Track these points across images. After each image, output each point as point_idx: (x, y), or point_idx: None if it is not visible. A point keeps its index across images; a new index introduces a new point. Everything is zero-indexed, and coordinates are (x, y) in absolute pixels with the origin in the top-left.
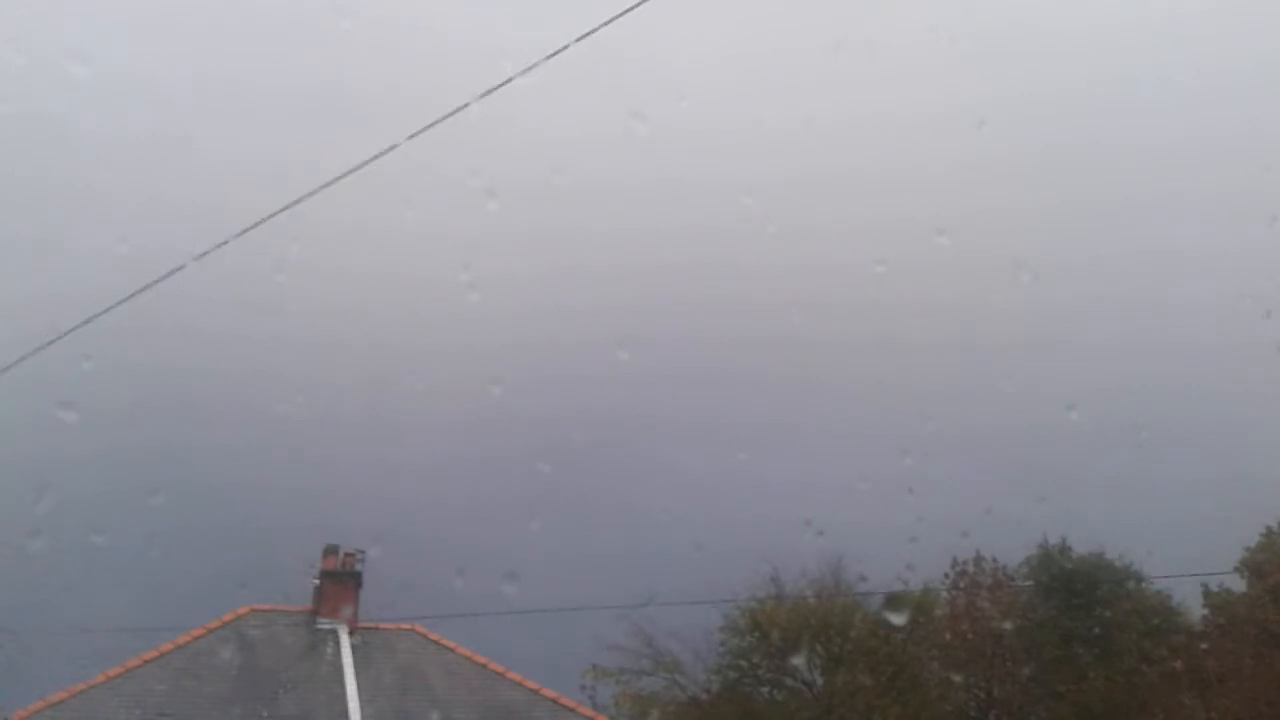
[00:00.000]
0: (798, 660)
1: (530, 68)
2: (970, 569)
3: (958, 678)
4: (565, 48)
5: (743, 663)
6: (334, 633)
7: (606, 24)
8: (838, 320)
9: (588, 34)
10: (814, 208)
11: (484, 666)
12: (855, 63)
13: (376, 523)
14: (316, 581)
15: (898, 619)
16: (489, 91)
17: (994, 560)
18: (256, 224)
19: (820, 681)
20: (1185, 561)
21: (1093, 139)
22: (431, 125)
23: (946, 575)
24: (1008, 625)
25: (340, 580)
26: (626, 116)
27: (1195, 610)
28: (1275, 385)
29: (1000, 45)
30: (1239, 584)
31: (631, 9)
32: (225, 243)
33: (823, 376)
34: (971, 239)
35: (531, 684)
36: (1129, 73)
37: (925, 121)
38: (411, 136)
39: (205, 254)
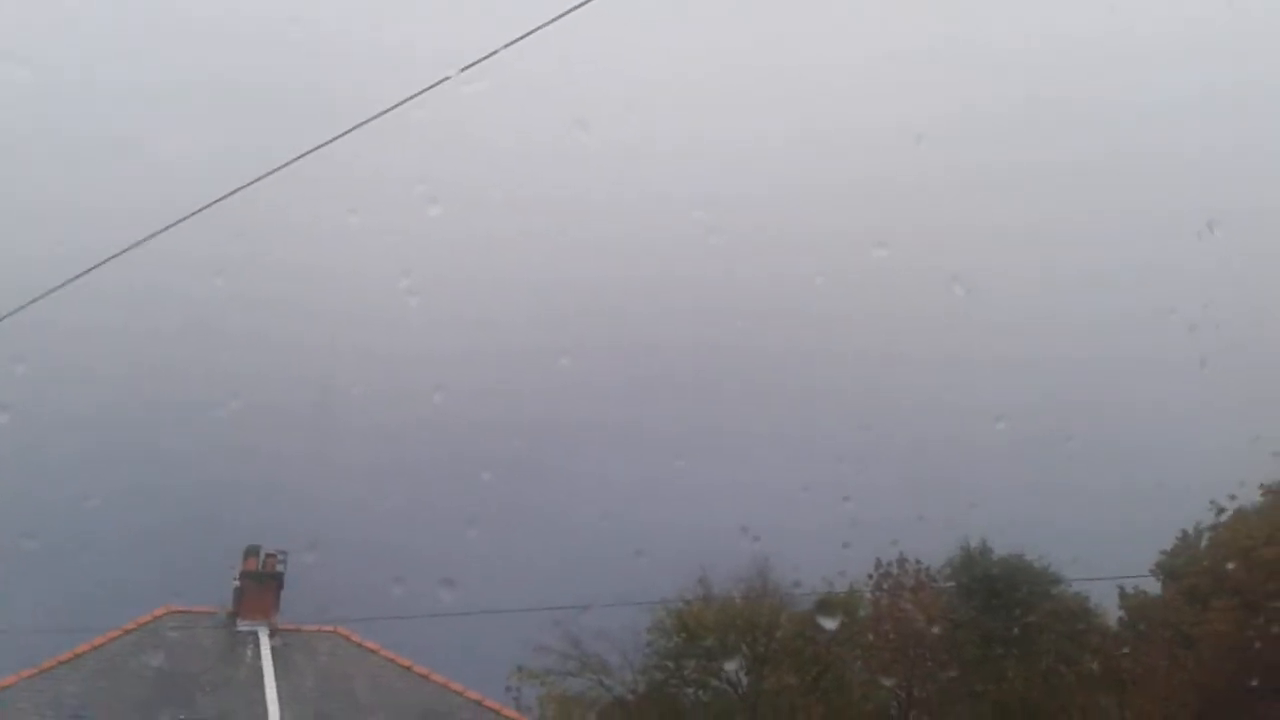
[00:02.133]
0: (729, 665)
1: (467, 67)
2: (894, 571)
3: (886, 681)
4: (495, 52)
5: (669, 663)
6: (254, 635)
7: (546, 25)
8: (778, 330)
9: (525, 35)
10: (757, 220)
11: (407, 669)
12: (799, 79)
13: (309, 525)
14: (237, 583)
15: (830, 623)
16: (423, 91)
17: (917, 562)
18: (180, 220)
19: (745, 681)
20: (1103, 565)
21: (1025, 157)
22: (363, 124)
23: (870, 576)
24: (935, 630)
25: (261, 581)
26: (571, 125)
27: (1112, 612)
28: (1195, 396)
29: (940, 63)
30: (1155, 587)
31: (574, 9)
32: (151, 237)
33: (763, 386)
34: (909, 252)
35: (456, 686)
36: (1061, 92)
37: (865, 137)
38: (342, 135)
39: (125, 251)
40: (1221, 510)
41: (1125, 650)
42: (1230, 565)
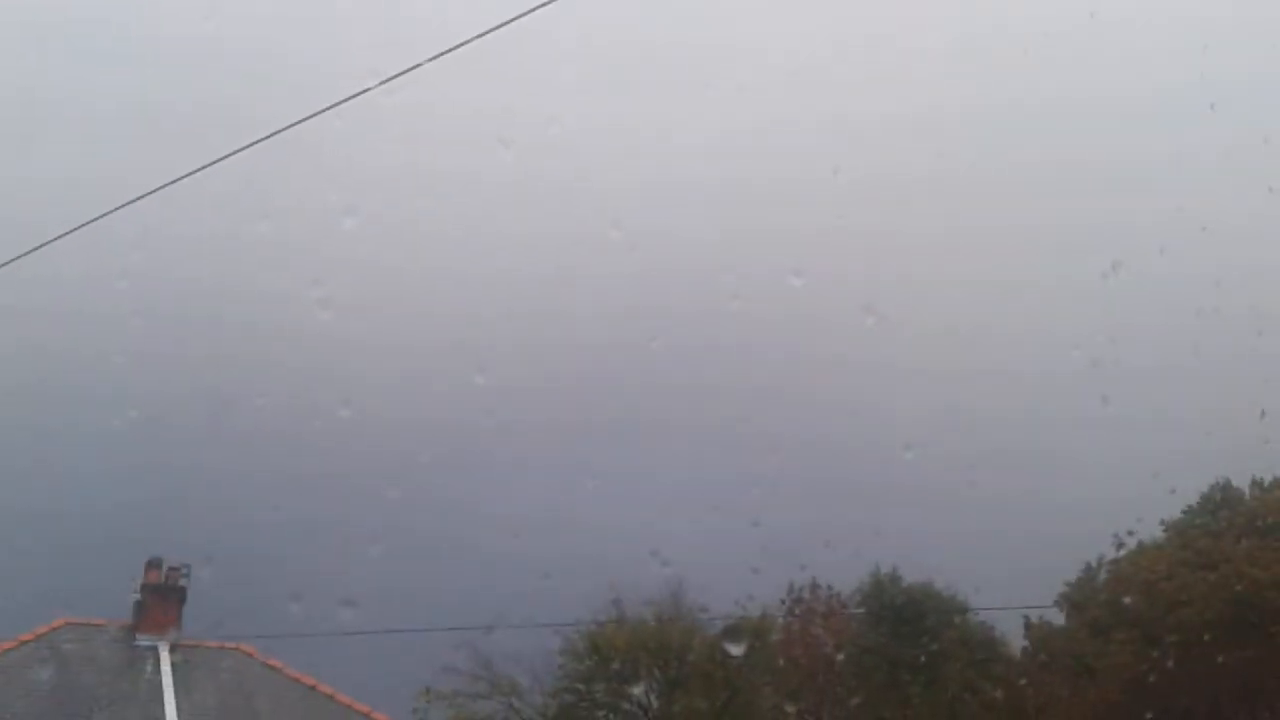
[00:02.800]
0: (636, 688)
1: (388, 79)
2: (806, 596)
3: (790, 707)
4: (419, 65)
5: (580, 686)
6: (154, 650)
7: (468, 41)
8: (691, 355)
9: (447, 50)
10: (677, 252)
11: (312, 689)
12: (721, 89)
13: (210, 540)
14: (137, 596)
15: (736, 649)
16: (341, 101)
17: (829, 588)
18: (84, 224)
19: (656, 705)
20: (1008, 595)
21: (947, 166)
22: (274, 134)
23: (783, 601)
24: (840, 656)
25: (163, 595)
26: (494, 143)
27: (1017, 642)
28: (1099, 430)
29: (855, 67)
30: (1058, 617)
31: (500, 27)
32: (45, 245)
33: (674, 412)
34: (823, 268)
35: (361, 707)
36: (980, 99)
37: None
38: (251, 145)
39: (19, 258)
40: (1122, 544)
41: (1027, 680)
42: (1130, 599)
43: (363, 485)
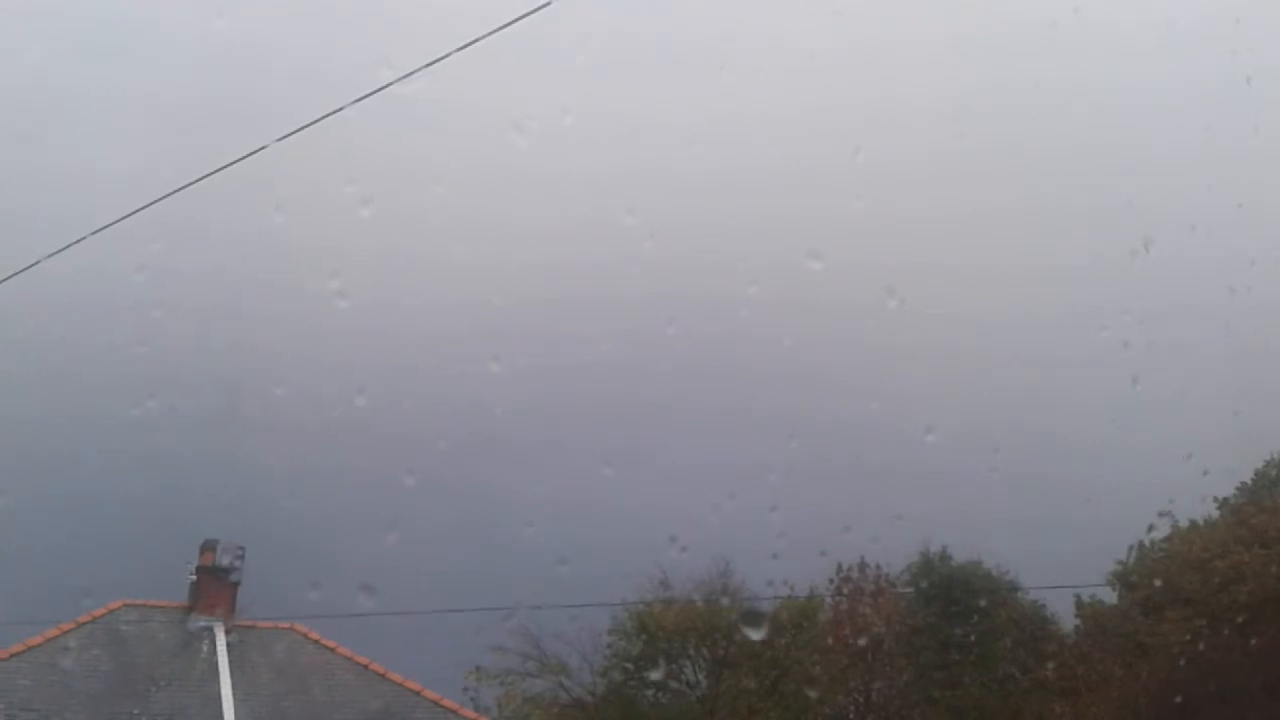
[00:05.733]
0: (671, 672)
1: (407, 75)
2: (854, 575)
3: (813, 693)
4: (438, 60)
5: (628, 665)
6: (209, 630)
7: (487, 36)
8: (710, 343)
9: (466, 45)
10: (693, 239)
11: (364, 667)
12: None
13: (245, 525)
14: (193, 578)
15: (756, 634)
16: (363, 97)
17: (877, 567)
18: (111, 223)
19: (705, 684)
20: (1059, 573)
21: (971, 147)
22: (301, 129)
23: (831, 580)
24: (889, 635)
25: (217, 576)
26: (508, 130)
27: (1068, 620)
28: (1129, 411)
29: (874, 51)
30: (1110, 596)
31: (517, 20)
32: (80, 240)
33: (693, 402)
34: (844, 252)
35: (413, 685)
36: (1004, 81)
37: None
38: (281, 139)
39: (58, 251)
40: (1175, 522)
41: (1079, 658)
42: (1185, 576)
43: (382, 474)
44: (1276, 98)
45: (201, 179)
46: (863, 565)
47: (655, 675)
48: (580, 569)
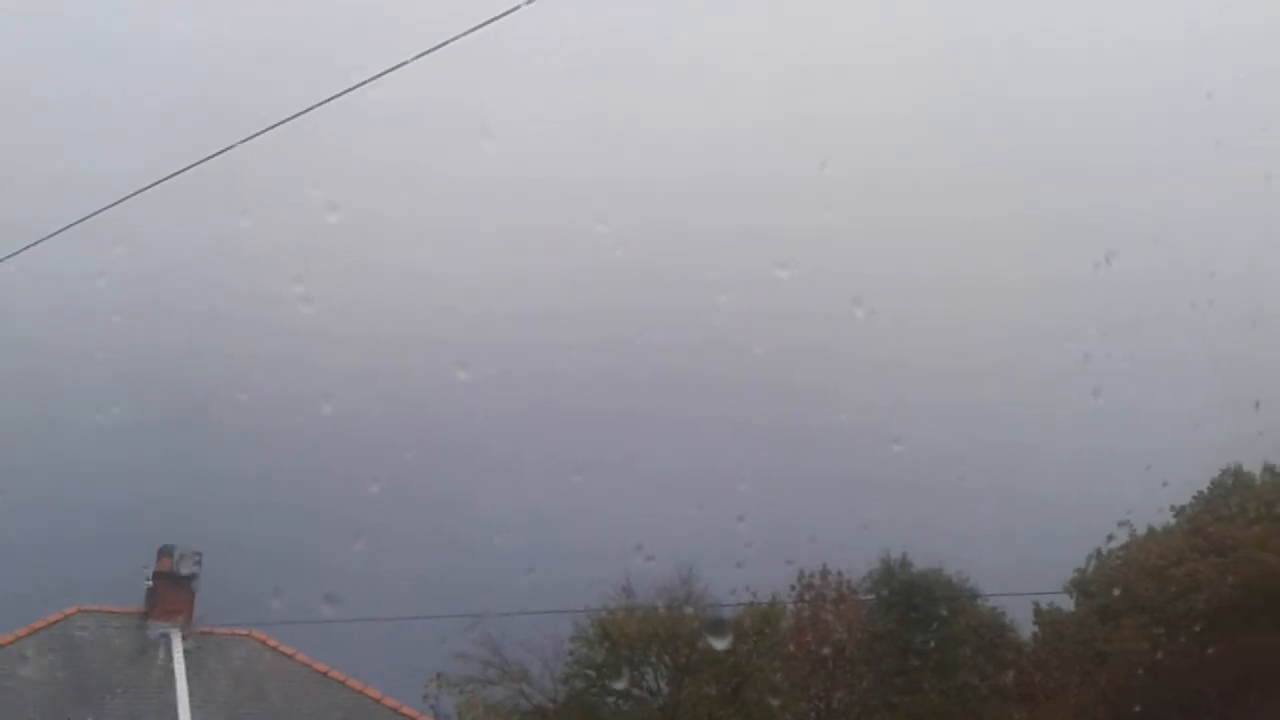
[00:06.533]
0: (631, 680)
1: (373, 78)
2: (816, 582)
3: (775, 700)
4: (405, 63)
5: (590, 672)
6: (166, 637)
7: (453, 40)
8: (679, 352)
9: (435, 48)
10: (663, 247)
11: (324, 674)
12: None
13: (205, 531)
14: (149, 583)
15: (720, 643)
16: (328, 100)
17: (839, 574)
18: (69, 225)
19: (666, 691)
20: (1020, 581)
21: (937, 159)
22: (265, 130)
23: (793, 587)
24: (850, 642)
25: (175, 582)
26: (477, 136)
27: (1026, 628)
28: (1091, 422)
29: (842, 63)
30: (1068, 603)
31: (483, 25)
32: (36, 243)
33: (662, 410)
34: (812, 262)
35: (373, 692)
36: (969, 93)
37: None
38: (244, 140)
39: (13, 255)
40: (1133, 531)
41: (1038, 665)
42: (1142, 584)
43: (348, 480)
44: (1237, 113)
45: (160, 181)
46: (824, 572)
47: (617, 683)
48: (548, 577)
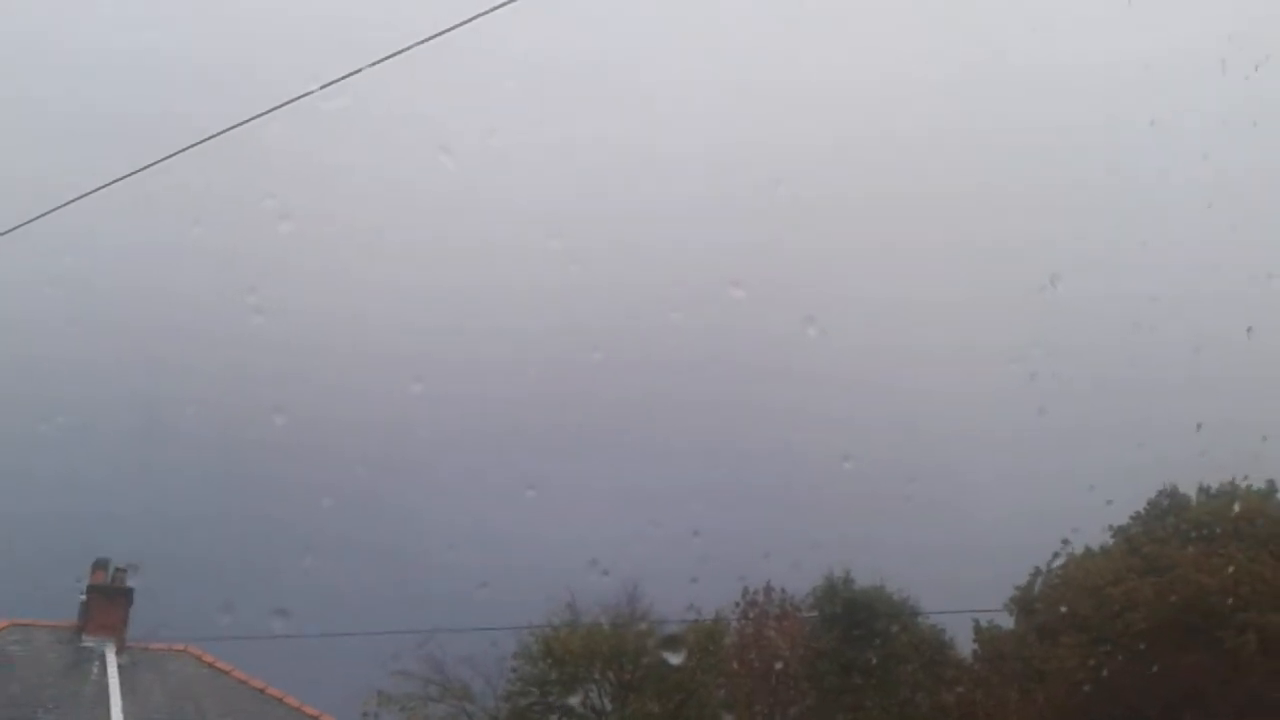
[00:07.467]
0: (575, 697)
1: (328, 84)
2: (760, 599)
3: (729, 717)
4: (359, 70)
5: (533, 689)
6: (100, 651)
7: (410, 48)
8: (633, 369)
9: (388, 56)
10: (618, 264)
11: (260, 691)
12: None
13: (148, 544)
14: (83, 597)
15: (675, 658)
16: (278, 106)
17: (782, 591)
18: (11, 229)
19: (609, 708)
20: (963, 599)
21: (888, 182)
22: (211, 137)
23: (737, 604)
24: (793, 659)
25: (109, 596)
26: (433, 149)
27: (966, 645)
28: (1036, 442)
29: (795, 86)
30: (1007, 621)
31: (441, 34)
32: None
33: (616, 427)
34: (765, 281)
35: (311, 710)
36: (918, 120)
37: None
38: (191, 145)
39: None
40: (1071, 550)
41: (977, 683)
42: (1078, 604)
43: (299, 492)
44: (1179, 141)
45: (104, 186)
46: (768, 589)
47: (561, 700)
48: (501, 592)
